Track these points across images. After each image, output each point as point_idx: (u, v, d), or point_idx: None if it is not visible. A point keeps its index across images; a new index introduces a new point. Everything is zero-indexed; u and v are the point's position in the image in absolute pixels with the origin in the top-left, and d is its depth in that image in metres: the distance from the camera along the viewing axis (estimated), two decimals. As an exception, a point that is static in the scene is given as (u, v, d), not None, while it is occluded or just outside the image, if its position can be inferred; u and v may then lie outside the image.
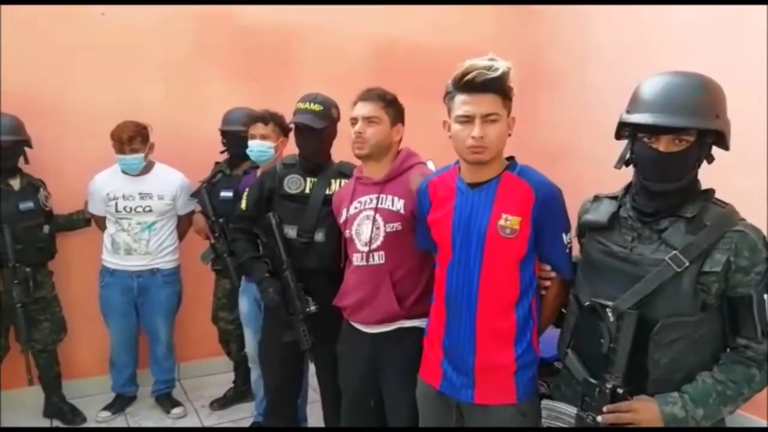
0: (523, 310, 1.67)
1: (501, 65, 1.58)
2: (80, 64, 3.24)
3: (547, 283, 1.72)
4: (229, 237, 2.66)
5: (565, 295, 1.73)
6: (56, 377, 3.10)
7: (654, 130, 1.41)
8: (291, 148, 2.78)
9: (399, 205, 1.98)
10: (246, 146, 2.89)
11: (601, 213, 1.58)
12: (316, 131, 2.26)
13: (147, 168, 3.07)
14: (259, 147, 2.74)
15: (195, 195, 3.16)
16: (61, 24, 3.18)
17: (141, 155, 2.97)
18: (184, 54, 3.49)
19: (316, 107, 2.27)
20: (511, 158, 1.73)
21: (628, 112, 1.47)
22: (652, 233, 1.47)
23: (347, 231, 2.07)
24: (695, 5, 3.13)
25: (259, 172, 2.84)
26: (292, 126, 2.33)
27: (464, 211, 1.69)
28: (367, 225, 2.01)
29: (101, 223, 3.12)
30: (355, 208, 2.07)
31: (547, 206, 1.63)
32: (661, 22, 3.35)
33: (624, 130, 1.51)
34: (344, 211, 2.10)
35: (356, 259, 2.04)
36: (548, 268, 1.71)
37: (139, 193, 3.02)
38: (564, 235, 1.66)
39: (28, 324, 2.85)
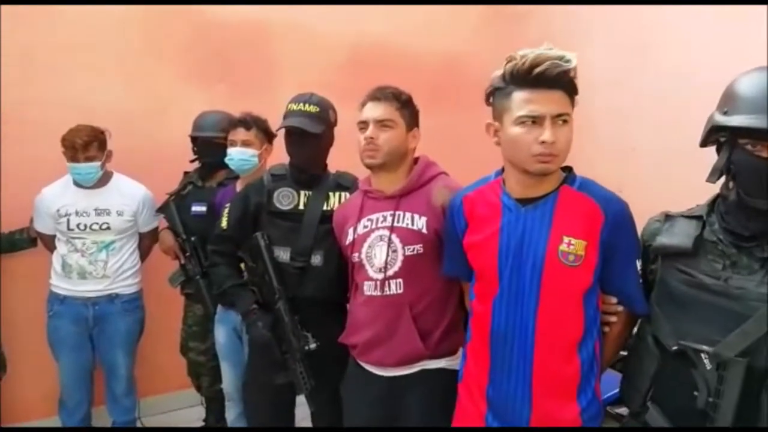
0: (587, 352, 1.35)
1: (573, 56, 1.26)
2: (25, 64, 2.76)
3: (613, 318, 1.40)
4: (206, 260, 2.22)
5: (629, 333, 1.43)
6: (-6, 423, 2.60)
7: (761, 136, 1.12)
8: (275, 157, 2.41)
9: (420, 223, 1.64)
10: (221, 154, 2.51)
11: (681, 236, 1.28)
12: (311, 137, 1.89)
13: (104, 179, 2.61)
14: (240, 155, 2.34)
15: (162, 210, 2.72)
16: (16, 17, 2.71)
17: (97, 164, 2.51)
18: (142, 53, 3.04)
19: (312, 108, 1.90)
20: (568, 169, 1.41)
21: (724, 113, 1.18)
22: (751, 261, 1.18)
23: (355, 255, 1.71)
24: (694, 5, 2.94)
25: (239, 184, 2.45)
26: (279, 131, 1.96)
27: (515, 233, 1.36)
28: (381, 247, 1.66)
29: (49, 242, 2.64)
30: (365, 227, 1.71)
31: (618, 227, 1.32)
32: (659, 23, 3.14)
33: (717, 135, 1.22)
34: (350, 231, 1.74)
35: (368, 288, 1.68)
36: (614, 300, 1.40)
37: (95, 209, 2.56)
38: (637, 262, 1.35)
39: None
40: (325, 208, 1.94)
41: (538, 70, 1.26)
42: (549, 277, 1.32)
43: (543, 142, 1.27)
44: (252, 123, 2.37)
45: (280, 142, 2.32)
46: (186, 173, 2.85)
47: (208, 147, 2.68)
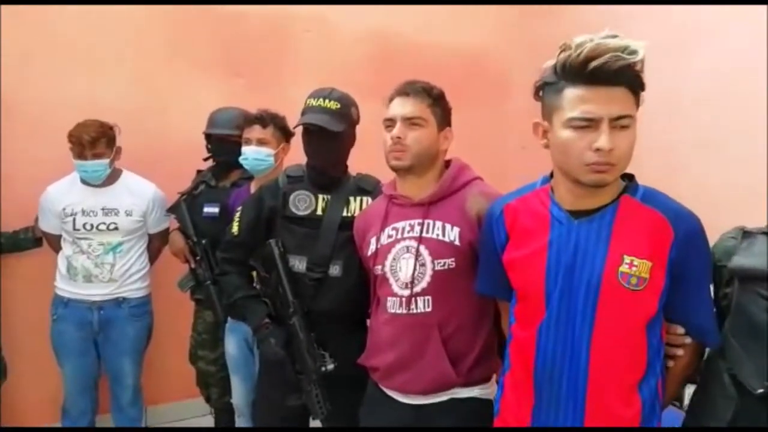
0: (649, 390, 1.15)
1: (640, 46, 1.07)
2: (35, 56, 2.63)
3: (679, 351, 1.20)
4: (216, 266, 2.05)
5: (695, 367, 1.23)
6: (-6, 431, 2.47)
7: None
8: (292, 157, 2.24)
9: (453, 234, 1.45)
10: (236, 153, 2.35)
11: (764, 256, 1.08)
12: (332, 135, 1.71)
13: (112, 177, 2.46)
14: (255, 154, 2.18)
15: (172, 210, 2.57)
16: (16, 17, 2.58)
17: (105, 161, 2.36)
18: (155, 46, 2.89)
19: (332, 105, 1.72)
20: (629, 176, 1.21)
21: None
22: None
23: (378, 267, 1.53)
24: (730, 5, 2.72)
25: (253, 185, 2.28)
26: (296, 129, 1.78)
27: (566, 249, 1.16)
28: (407, 260, 1.47)
29: (55, 243, 2.50)
30: (390, 236, 1.52)
31: (690, 246, 1.12)
32: (693, 23, 2.92)
33: None
34: (373, 241, 1.56)
35: (392, 305, 1.50)
36: (681, 330, 1.20)
37: (103, 208, 2.41)
38: (711, 287, 1.15)
39: None
40: (345, 213, 1.76)
41: (595, 63, 1.07)
42: (606, 303, 1.12)
43: (598, 150, 1.08)
44: (269, 120, 2.20)
45: (298, 141, 2.18)
46: (199, 172, 2.69)
47: (223, 145, 2.52)
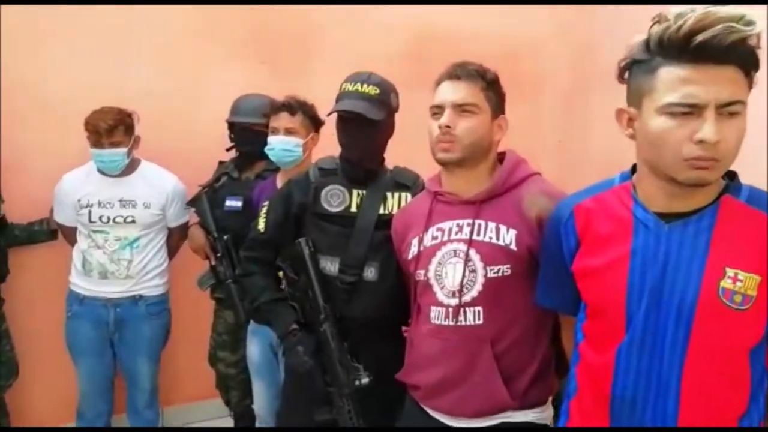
0: (750, 425, 0.97)
1: (757, 16, 0.88)
2: (49, 40, 2.49)
3: (787, 383, 1.02)
4: (238, 264, 1.89)
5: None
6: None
7: None
8: (321, 149, 2.09)
9: (508, 237, 1.28)
10: (261, 143, 2.21)
11: None
12: (369, 124, 1.55)
13: (130, 167, 2.32)
14: (282, 144, 2.02)
15: (192, 203, 2.42)
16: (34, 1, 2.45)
17: (123, 150, 2.23)
18: (177, 30, 2.74)
19: (371, 90, 1.56)
20: (731, 174, 1.02)
21: None
22: None
23: (420, 272, 1.37)
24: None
25: (279, 178, 2.13)
26: (328, 118, 1.62)
27: (654, 259, 0.99)
28: (455, 266, 1.31)
29: (70, 235, 2.38)
30: (434, 238, 1.36)
31: None
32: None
33: None
34: (414, 242, 1.40)
35: (436, 316, 1.33)
36: (790, 358, 1.01)
37: (120, 200, 2.28)
38: None
39: None
40: (381, 211, 1.60)
41: (702, 37, 0.88)
42: (703, 324, 0.95)
43: (701, 142, 0.89)
44: (297, 108, 2.04)
45: (326, 131, 2.02)
46: (221, 163, 2.55)
47: (247, 134, 2.37)
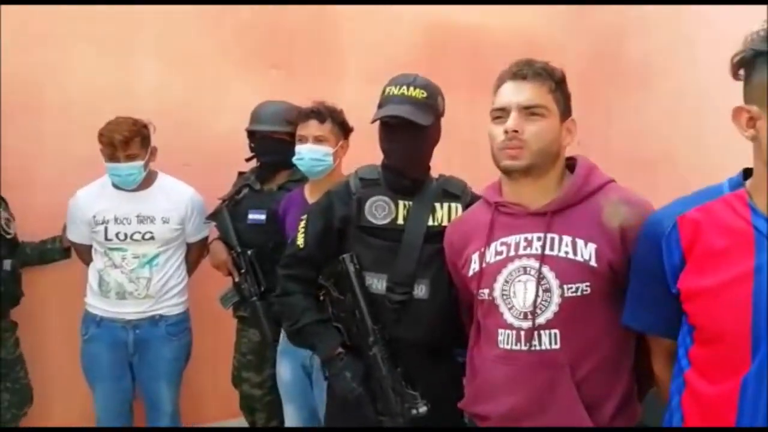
0: None
1: None
2: (59, 45, 2.36)
3: None
4: (263, 280, 1.71)
5: None
6: (18, 464, 2.21)
7: None
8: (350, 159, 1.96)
9: (587, 252, 1.16)
10: (284, 152, 2.10)
11: None
12: (418, 130, 1.43)
13: (147, 180, 2.19)
14: (312, 153, 1.89)
15: (212, 217, 2.29)
16: (44, 6, 2.32)
17: (140, 163, 2.10)
18: (186, 37, 2.61)
19: (418, 93, 1.44)
20: None
21: None
22: None
23: (484, 291, 1.24)
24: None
25: (307, 189, 2.00)
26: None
27: None
28: (526, 284, 1.19)
29: (85, 254, 2.24)
30: (499, 253, 1.23)
31: None
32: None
33: None
34: (475, 258, 1.27)
35: (504, 340, 1.20)
36: None
37: (137, 215, 2.15)
38: None
39: None
40: (430, 223, 1.48)
41: None
42: None
43: None
44: (327, 114, 1.91)
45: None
46: (240, 174, 2.41)
47: (269, 143, 2.24)
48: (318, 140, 1.90)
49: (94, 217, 2.13)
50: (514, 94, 1.19)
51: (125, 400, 2.26)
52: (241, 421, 2.55)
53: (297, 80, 2.75)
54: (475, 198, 1.55)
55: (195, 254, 2.36)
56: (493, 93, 1.25)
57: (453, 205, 1.50)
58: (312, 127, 1.90)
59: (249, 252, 2.19)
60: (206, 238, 2.37)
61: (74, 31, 2.39)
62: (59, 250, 2.28)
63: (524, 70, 1.20)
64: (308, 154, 1.89)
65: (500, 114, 1.21)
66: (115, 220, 2.13)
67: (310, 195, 1.97)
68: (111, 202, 2.14)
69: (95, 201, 2.15)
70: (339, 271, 1.47)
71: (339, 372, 1.44)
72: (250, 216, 2.23)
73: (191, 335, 2.33)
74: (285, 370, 1.99)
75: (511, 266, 1.21)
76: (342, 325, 1.48)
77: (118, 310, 2.15)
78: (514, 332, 1.19)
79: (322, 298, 1.57)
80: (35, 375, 2.24)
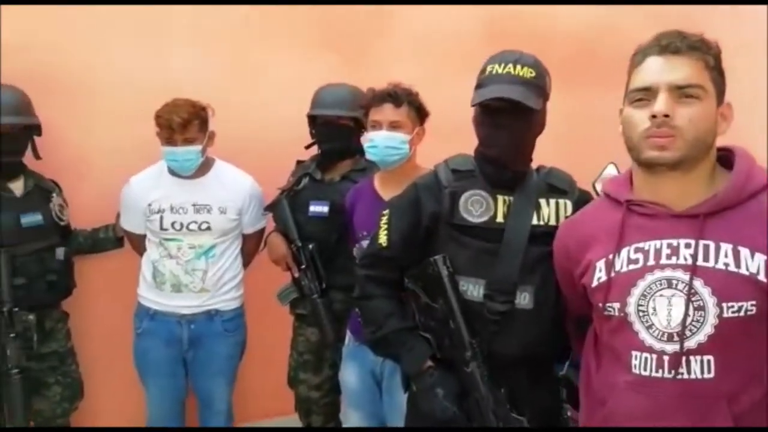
0: None
1: None
2: (108, 24, 2.21)
3: None
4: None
5: None
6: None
7: None
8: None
9: (754, 264, 0.95)
10: (347, 139, 2.00)
11: None
12: (526, 114, 1.23)
13: (204, 167, 2.04)
14: (387, 141, 1.69)
15: (271, 208, 2.13)
16: None
17: (198, 148, 1.94)
18: (243, 15, 2.43)
19: (527, 72, 1.23)
20: None
21: None
22: None
23: (612, 305, 1.04)
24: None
25: (377, 180, 1.82)
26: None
27: None
28: (669, 300, 0.98)
29: (138, 243, 2.10)
30: (633, 262, 1.03)
31: None
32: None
33: None
34: (600, 265, 1.07)
35: (641, 364, 1.00)
36: None
37: (194, 205, 2.00)
38: None
39: (25, 392, 1.83)
40: (535, 221, 1.28)
41: None
42: None
43: None
44: (403, 97, 1.71)
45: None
46: (299, 163, 2.24)
47: (332, 129, 2.07)
48: (393, 126, 1.70)
49: (150, 205, 1.99)
50: (663, 71, 0.98)
51: (178, 398, 2.14)
52: (293, 420, 2.41)
53: (354, 63, 2.55)
54: (583, 194, 1.35)
55: (251, 246, 2.20)
56: (630, 70, 1.04)
57: (561, 201, 1.30)
58: (387, 112, 1.70)
59: (310, 246, 2.03)
60: (263, 230, 2.21)
61: (128, 19, 2.24)
62: (112, 239, 2.14)
63: (676, 43, 0.98)
64: (383, 141, 1.70)
65: (643, 95, 1.00)
66: (171, 209, 1.99)
67: (381, 187, 1.79)
68: (167, 189, 2.00)
69: (150, 189, 2.01)
70: (429, 274, 1.28)
71: (429, 389, 1.25)
72: (312, 208, 2.06)
73: (246, 331, 2.18)
74: (351, 376, 1.82)
75: (650, 277, 1.00)
76: (431, 336, 1.29)
77: (173, 303, 2.01)
78: (655, 356, 0.98)
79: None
80: (85, 368, 2.11)
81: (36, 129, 1.96)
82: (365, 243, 1.74)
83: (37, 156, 1.99)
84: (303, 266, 2.03)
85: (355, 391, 1.81)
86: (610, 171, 2.04)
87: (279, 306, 2.19)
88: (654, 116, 0.96)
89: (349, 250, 1.92)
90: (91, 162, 2.21)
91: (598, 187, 2.00)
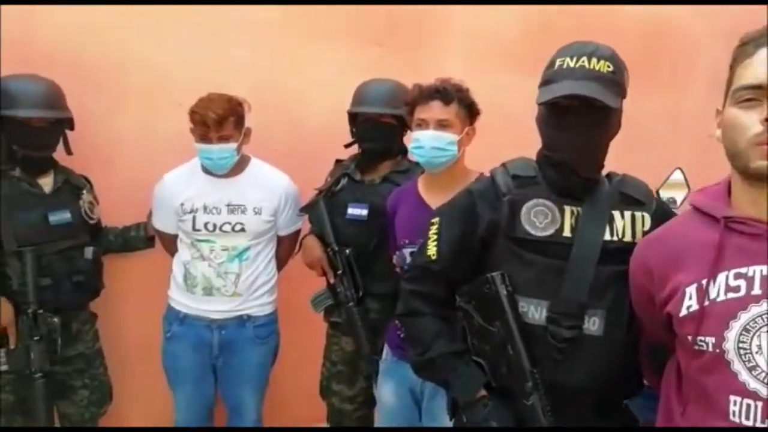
0: None
1: None
2: (141, 16, 2.13)
3: None
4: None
5: None
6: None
7: None
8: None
9: None
10: (390, 138, 1.89)
11: None
12: (603, 114, 1.08)
13: (239, 166, 1.94)
14: (434, 141, 1.55)
15: (307, 209, 2.02)
16: None
17: (233, 146, 1.84)
18: (276, 9, 2.32)
19: (604, 67, 1.08)
20: None
21: None
22: None
23: (705, 339, 0.88)
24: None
25: (421, 183, 1.68)
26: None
27: None
28: (784, 336, 0.81)
29: (170, 244, 2.02)
30: (733, 290, 0.87)
31: None
32: None
33: None
34: (690, 291, 0.91)
35: (740, 411, 0.85)
36: None
37: (228, 205, 1.90)
38: None
39: (48, 396, 1.76)
40: (607, 236, 1.12)
41: None
42: None
43: None
44: (453, 94, 1.57)
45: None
46: (338, 162, 2.12)
47: (374, 128, 1.94)
48: (441, 125, 1.56)
49: (182, 204, 1.89)
50: None
51: (206, 405, 2.05)
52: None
53: (399, 59, 2.42)
54: (662, 205, 1.19)
55: (286, 249, 2.09)
56: (735, 64, 0.88)
57: (638, 213, 1.14)
58: (435, 110, 1.56)
59: (347, 251, 1.91)
60: (299, 232, 2.10)
61: (155, 6, 2.15)
62: (143, 239, 2.06)
63: None
64: (430, 141, 1.55)
65: (752, 95, 0.84)
66: (205, 209, 1.89)
67: (426, 191, 1.65)
68: (200, 188, 1.91)
69: (183, 187, 1.91)
70: (485, 292, 1.13)
71: (482, 420, 1.11)
72: (350, 210, 1.94)
73: (279, 338, 2.08)
74: (388, 394, 1.68)
75: (755, 309, 0.84)
76: (485, 362, 1.15)
77: (204, 307, 1.92)
78: (761, 404, 0.83)
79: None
80: (113, 372, 2.04)
81: (68, 123, 1.89)
82: (406, 251, 1.63)
83: (68, 151, 1.91)
84: (339, 272, 1.91)
85: (392, 409, 1.68)
86: (677, 177, 1.86)
87: (313, 312, 2.08)
88: (767, 120, 0.80)
89: (388, 257, 1.80)
90: (121, 157, 2.13)
91: (663, 195, 1.83)
